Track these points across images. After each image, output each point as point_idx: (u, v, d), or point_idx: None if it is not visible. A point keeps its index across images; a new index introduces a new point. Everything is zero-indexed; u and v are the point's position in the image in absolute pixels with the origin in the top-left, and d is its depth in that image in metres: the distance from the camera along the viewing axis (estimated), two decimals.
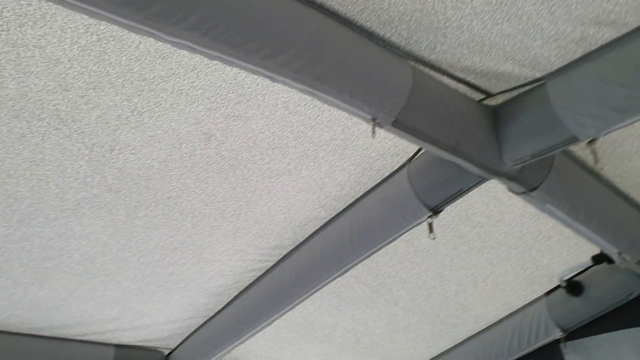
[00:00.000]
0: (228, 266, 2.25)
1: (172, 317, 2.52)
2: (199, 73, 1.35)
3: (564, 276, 2.30)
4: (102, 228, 1.87)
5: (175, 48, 1.10)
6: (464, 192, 1.66)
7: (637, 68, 1.17)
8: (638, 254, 1.90)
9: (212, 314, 2.54)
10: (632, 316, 2.38)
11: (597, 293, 2.34)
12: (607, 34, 1.22)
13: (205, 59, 1.30)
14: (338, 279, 2.31)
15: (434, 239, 1.69)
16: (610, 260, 2.10)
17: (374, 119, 1.29)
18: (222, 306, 2.53)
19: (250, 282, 2.38)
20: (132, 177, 1.67)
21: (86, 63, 1.30)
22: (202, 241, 2.06)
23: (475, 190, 1.96)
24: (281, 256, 2.26)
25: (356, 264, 2.00)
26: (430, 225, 1.72)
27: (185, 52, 1.23)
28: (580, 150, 1.73)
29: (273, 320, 2.27)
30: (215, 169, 1.70)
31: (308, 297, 2.19)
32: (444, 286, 2.48)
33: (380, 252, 2.25)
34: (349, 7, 1.18)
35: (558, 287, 2.49)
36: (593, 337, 2.51)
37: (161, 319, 2.52)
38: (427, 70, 1.43)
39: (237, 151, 1.64)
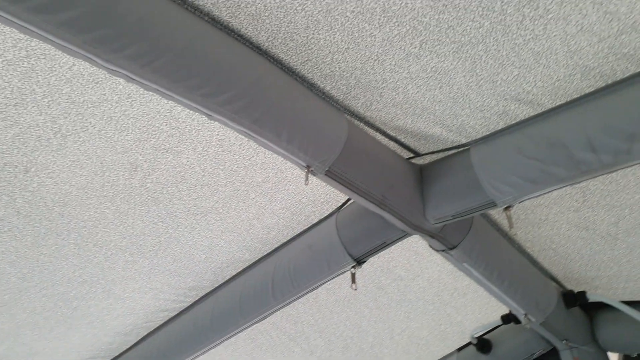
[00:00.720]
0: (139, 304, 2.12)
1: (69, 356, 2.31)
2: (133, 102, 1.31)
3: (475, 333, 2.39)
4: (2, 254, 1.71)
5: (111, 75, 1.06)
6: (387, 244, 1.70)
7: (549, 145, 1.28)
8: (542, 316, 2.01)
9: (115, 355, 2.37)
10: None
11: (504, 351, 2.44)
12: (526, 111, 1.33)
13: (141, 89, 1.26)
14: (256, 326, 2.24)
15: (355, 289, 1.70)
16: (517, 321, 2.21)
17: (308, 167, 1.30)
18: (128, 347, 2.37)
19: (162, 322, 2.26)
20: (45, 202, 1.56)
21: (9, 78, 1.22)
22: (115, 276, 1.94)
23: (399, 243, 2.02)
24: (198, 297, 2.17)
25: (276, 311, 1.96)
26: (353, 276, 1.73)
27: (122, 79, 1.20)
28: (497, 214, 1.84)
29: None
30: (137, 201, 1.63)
31: (221, 342, 2.10)
32: (361, 337, 2.48)
33: (301, 299, 2.23)
34: (293, 57, 1.21)
35: (469, 343, 2.57)
36: None
37: (56, 359, 2.31)
38: (361, 125, 1.48)
39: (163, 185, 1.58)
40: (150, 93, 1.28)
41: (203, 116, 1.20)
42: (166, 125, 1.40)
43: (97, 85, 1.26)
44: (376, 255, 2.04)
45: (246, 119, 1.13)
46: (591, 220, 1.74)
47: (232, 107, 1.11)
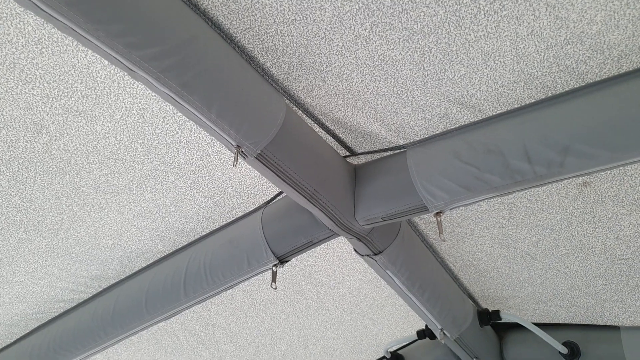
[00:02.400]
0: (31, 291, 1.89)
1: None
2: (44, 50, 1.15)
3: (389, 348, 2.35)
4: None
5: (20, 6, 0.91)
6: (313, 244, 1.62)
7: (486, 151, 1.27)
8: (457, 332, 2.01)
9: None
10: None
11: None
12: (466, 116, 1.32)
13: (56, 34, 1.11)
14: (162, 324, 2.07)
15: (275, 288, 1.60)
16: (432, 336, 2.19)
17: (238, 147, 1.20)
18: (12, 340, 2.11)
19: (56, 314, 2.03)
20: None
21: None
22: (3, 255, 1.70)
23: (323, 246, 1.94)
24: (100, 289, 1.97)
25: (186, 309, 1.81)
26: (274, 274, 1.63)
27: (31, 16, 1.04)
28: (424, 224, 1.82)
29: None
30: (39, 169, 1.44)
31: (122, 339, 1.91)
32: (274, 345, 2.37)
33: (214, 300, 2.09)
34: (234, 22, 1.11)
35: (382, 358, 2.53)
36: None
37: None
38: (299, 112, 1.40)
39: (71, 153, 1.41)
40: (65, 41, 1.13)
41: (125, 74, 1.07)
42: (82, 83, 1.24)
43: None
44: (299, 258, 1.96)
45: (174, 80, 1.01)
46: (514, 238, 1.76)
47: (158, 65, 0.99)
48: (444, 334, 2.00)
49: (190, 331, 2.24)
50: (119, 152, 1.43)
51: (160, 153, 1.46)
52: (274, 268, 1.63)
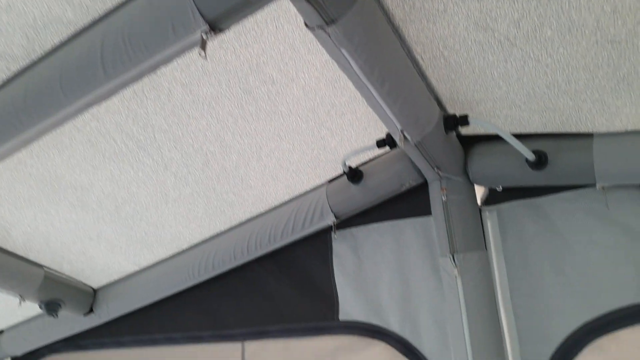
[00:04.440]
0: None
1: None
2: None
3: (346, 159, 2.20)
4: None
5: None
6: (252, 4, 1.32)
7: None
8: (419, 135, 1.83)
9: None
10: (398, 209, 2.43)
11: (375, 183, 2.31)
12: None
13: None
14: (94, 124, 1.84)
15: (204, 58, 1.34)
16: (392, 144, 2.03)
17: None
18: None
19: None
20: None
21: None
22: None
23: (272, 31, 1.66)
24: (9, 72, 1.69)
25: (111, 93, 1.57)
26: (204, 42, 1.36)
27: None
28: (391, 0, 1.52)
29: None
30: None
31: (44, 130, 1.69)
32: (224, 154, 2.19)
33: (150, 96, 1.85)
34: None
35: (341, 175, 2.41)
36: (362, 226, 2.53)
37: None
38: None
39: None
40: None
41: None
42: None
43: None
44: (243, 44, 1.69)
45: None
46: (493, 15, 1.49)
47: None
48: (405, 136, 1.83)
49: (127, 134, 2.02)
50: None
51: None
52: (203, 35, 1.35)
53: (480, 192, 2.29)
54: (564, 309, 2.01)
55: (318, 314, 2.57)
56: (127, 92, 1.83)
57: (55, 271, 2.89)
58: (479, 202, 2.25)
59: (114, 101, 1.87)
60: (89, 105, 1.61)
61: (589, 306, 1.96)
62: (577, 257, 2.01)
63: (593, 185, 1.96)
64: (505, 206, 2.20)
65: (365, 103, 1.75)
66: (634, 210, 1.95)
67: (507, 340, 2.08)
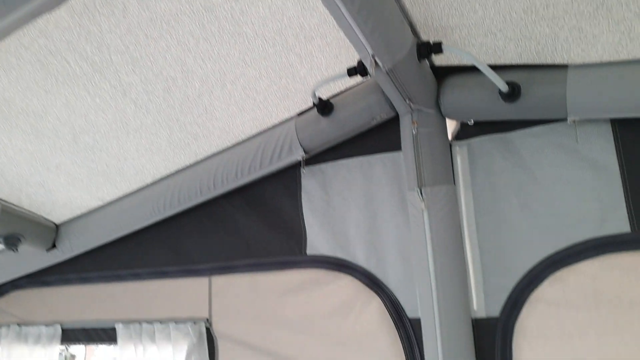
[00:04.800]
0: None
1: None
2: None
3: (316, 88, 2.11)
4: None
5: None
6: None
7: None
8: (390, 61, 1.75)
9: None
10: (368, 144, 2.39)
11: (345, 115, 2.25)
12: None
13: None
14: (42, 41, 1.70)
15: None
16: (364, 72, 1.95)
17: None
18: None
19: None
20: None
21: None
22: None
23: None
24: None
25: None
26: None
27: None
28: None
29: None
30: None
31: None
32: (187, 80, 2.08)
33: (103, 11, 1.71)
34: None
35: (310, 108, 2.33)
36: (331, 162, 2.48)
37: None
38: None
39: None
40: None
41: None
42: None
43: None
44: None
45: None
46: None
47: None
48: (376, 62, 1.75)
49: (80, 54, 1.88)
50: None
51: None
52: None
53: (451, 127, 2.25)
54: (528, 243, 2.02)
55: (286, 249, 2.56)
56: (78, 6, 1.69)
57: (14, 205, 2.79)
58: (450, 136, 2.22)
59: (63, 15, 1.72)
60: (33, 15, 1.47)
61: (552, 240, 1.98)
62: (544, 192, 2.01)
63: (564, 119, 1.93)
64: (475, 141, 2.17)
65: (336, 26, 1.65)
66: (602, 145, 1.94)
67: (470, 273, 2.10)
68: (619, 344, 1.84)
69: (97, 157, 2.49)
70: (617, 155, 1.91)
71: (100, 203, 2.88)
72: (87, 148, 2.41)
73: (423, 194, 2.06)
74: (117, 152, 2.47)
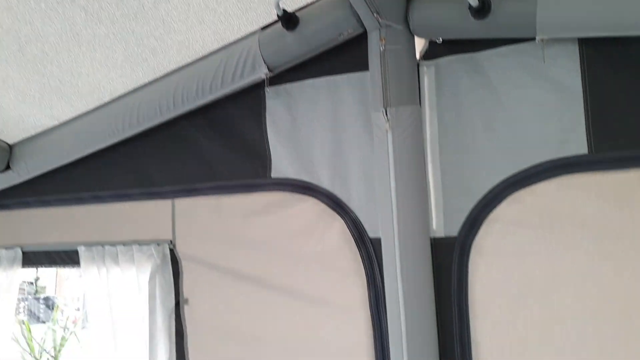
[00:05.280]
0: None
1: None
2: None
3: (280, 0, 1.99)
4: None
5: None
6: None
7: None
8: None
9: None
10: (334, 64, 2.31)
11: (311, 30, 2.15)
12: None
13: None
14: None
15: None
16: None
17: None
18: None
19: None
20: None
21: None
22: None
23: None
24: None
25: None
26: None
27: None
28: None
29: None
30: None
31: None
32: None
33: None
34: None
35: (275, 21, 2.21)
36: (297, 82, 2.40)
37: None
38: None
39: None
40: None
41: None
42: None
43: None
44: None
45: None
46: None
47: None
48: None
49: None
50: None
51: None
52: None
53: (420, 46, 2.18)
54: (489, 164, 2.04)
55: (250, 171, 2.52)
56: None
57: None
58: (418, 56, 2.16)
59: None
60: None
61: (512, 161, 2.00)
62: (508, 112, 2.00)
63: (533, 38, 1.88)
64: (443, 61, 2.12)
65: None
66: (568, 66, 1.92)
67: (431, 194, 2.12)
68: (570, 261, 1.92)
69: (48, 71, 2.34)
70: (582, 77, 1.90)
71: (55, 122, 2.76)
72: (35, 60, 2.26)
73: (388, 115, 2.03)
74: (69, 67, 2.33)
